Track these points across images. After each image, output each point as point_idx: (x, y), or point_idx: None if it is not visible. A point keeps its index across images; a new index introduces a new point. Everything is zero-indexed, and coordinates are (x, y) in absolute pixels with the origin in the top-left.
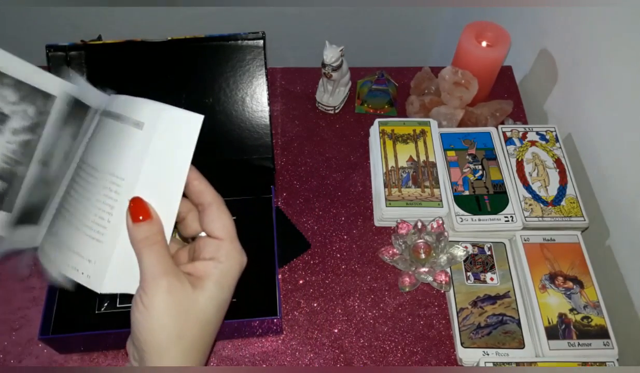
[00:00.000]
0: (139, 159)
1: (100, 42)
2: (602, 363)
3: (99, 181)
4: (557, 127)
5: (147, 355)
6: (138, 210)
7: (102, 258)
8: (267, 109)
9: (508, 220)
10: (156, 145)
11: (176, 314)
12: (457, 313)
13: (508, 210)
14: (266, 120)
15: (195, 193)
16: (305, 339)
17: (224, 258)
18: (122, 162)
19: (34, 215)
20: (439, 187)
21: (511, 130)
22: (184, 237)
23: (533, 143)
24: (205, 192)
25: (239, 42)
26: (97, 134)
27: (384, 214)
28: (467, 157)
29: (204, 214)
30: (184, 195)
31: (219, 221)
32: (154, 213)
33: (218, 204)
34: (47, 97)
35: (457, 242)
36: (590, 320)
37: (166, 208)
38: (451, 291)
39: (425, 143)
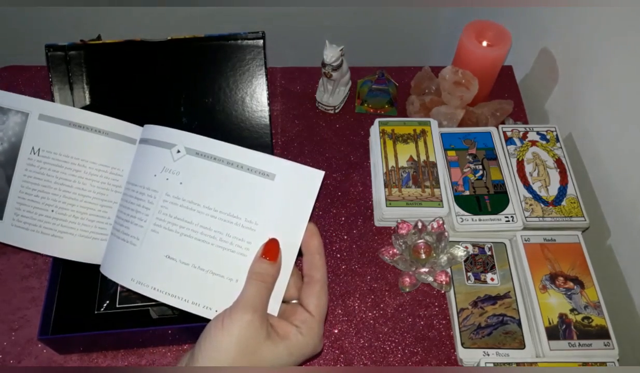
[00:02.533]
0: (272, 207)
1: (100, 42)
2: (603, 364)
3: (230, 224)
4: (558, 126)
5: (199, 364)
6: (270, 248)
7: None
8: (267, 108)
9: (508, 220)
10: (286, 196)
11: (241, 348)
12: (458, 313)
13: (508, 210)
14: (266, 120)
15: (312, 264)
16: None
17: (306, 332)
18: (256, 209)
19: None
20: (439, 187)
21: (512, 130)
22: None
23: (534, 143)
24: (320, 269)
25: (239, 42)
26: (211, 179)
27: (384, 214)
28: (468, 156)
29: (308, 286)
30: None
31: (319, 300)
32: (279, 260)
33: (323, 284)
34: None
35: (458, 242)
36: (590, 320)
37: (287, 257)
38: (451, 291)
39: (425, 143)
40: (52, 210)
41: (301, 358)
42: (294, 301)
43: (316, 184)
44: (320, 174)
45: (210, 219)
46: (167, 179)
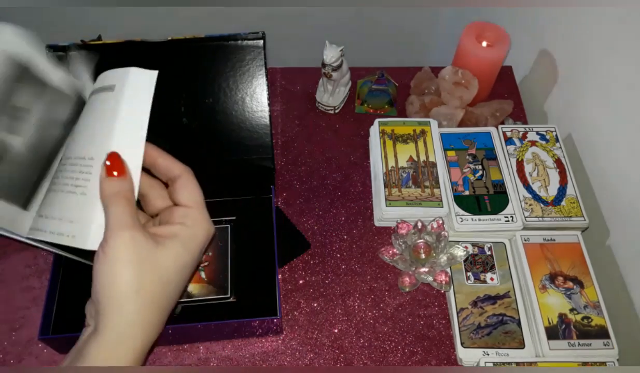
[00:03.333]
0: (113, 118)
1: (100, 42)
2: (602, 364)
3: (77, 143)
4: (557, 127)
5: (105, 308)
6: (114, 165)
7: (84, 217)
8: (267, 109)
9: (508, 220)
10: (124, 104)
11: (136, 267)
12: (457, 313)
13: (508, 210)
14: (266, 120)
15: (163, 169)
16: (305, 339)
17: (190, 223)
18: (98, 123)
19: (18, 196)
20: (439, 187)
21: (511, 130)
22: (149, 214)
23: (533, 143)
24: (173, 166)
25: (239, 42)
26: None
27: (384, 214)
28: (467, 157)
29: (173, 186)
30: (150, 173)
31: (187, 190)
32: (128, 171)
33: (187, 175)
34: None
35: (457, 242)
36: (590, 320)
37: (132, 165)
38: (451, 291)
39: (425, 143)
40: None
41: (199, 247)
42: (169, 205)
43: (148, 82)
44: (149, 73)
45: (64, 167)
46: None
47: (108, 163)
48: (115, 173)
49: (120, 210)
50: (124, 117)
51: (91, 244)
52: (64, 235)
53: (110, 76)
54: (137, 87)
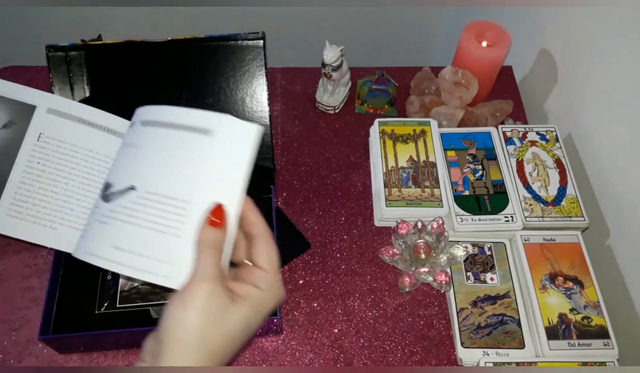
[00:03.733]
0: (212, 166)
1: (100, 42)
2: (602, 364)
3: (162, 180)
4: (557, 127)
5: (167, 349)
6: (217, 214)
7: (180, 260)
8: (267, 109)
9: (508, 220)
10: (226, 154)
11: (207, 320)
12: (457, 313)
13: (508, 210)
14: (266, 120)
15: (249, 224)
16: (305, 339)
17: (264, 287)
18: (191, 165)
19: None
20: (439, 187)
21: (511, 130)
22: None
23: (533, 143)
24: (258, 224)
25: (239, 42)
26: (146, 146)
27: (384, 214)
28: (467, 157)
29: (253, 244)
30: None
31: (266, 254)
32: (228, 224)
33: (267, 237)
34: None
35: (457, 242)
36: (590, 320)
37: (230, 217)
38: (451, 291)
39: (425, 143)
40: (52, 202)
41: (267, 311)
42: (246, 261)
43: (252, 138)
44: (254, 127)
45: (148, 202)
46: (125, 153)
47: (211, 212)
48: (214, 222)
49: (210, 261)
50: (225, 168)
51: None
52: (157, 274)
53: (200, 117)
54: (240, 139)
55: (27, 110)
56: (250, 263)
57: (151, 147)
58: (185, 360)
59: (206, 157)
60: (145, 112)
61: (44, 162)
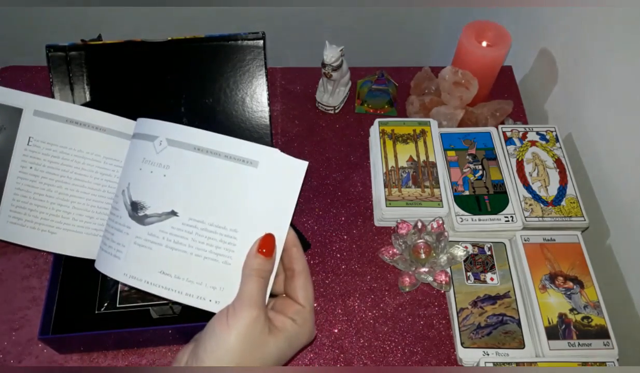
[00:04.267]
0: (260, 198)
1: (100, 42)
2: (602, 364)
3: (209, 209)
4: (558, 127)
5: (202, 363)
6: (267, 243)
7: (230, 286)
8: (267, 109)
9: (508, 220)
10: (273, 187)
11: (246, 344)
12: (457, 313)
13: (508, 210)
14: (266, 120)
15: (291, 258)
16: None
17: (300, 323)
18: (239, 195)
19: None
20: (439, 187)
21: (511, 130)
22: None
23: (533, 143)
24: (300, 260)
25: (239, 42)
26: (186, 172)
27: (384, 214)
28: (467, 157)
29: (293, 279)
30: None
31: (305, 290)
32: (275, 254)
33: (307, 274)
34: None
35: (457, 242)
36: (590, 320)
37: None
38: (451, 291)
39: (425, 143)
40: (47, 206)
41: (300, 346)
42: (283, 295)
43: (300, 175)
44: (304, 164)
45: (193, 229)
46: (151, 172)
47: (262, 240)
48: (264, 250)
49: (257, 288)
50: (272, 200)
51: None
52: (206, 300)
53: (247, 149)
54: (287, 174)
55: (15, 114)
56: (287, 297)
57: (189, 172)
58: None
59: (253, 189)
60: (171, 131)
61: (36, 167)
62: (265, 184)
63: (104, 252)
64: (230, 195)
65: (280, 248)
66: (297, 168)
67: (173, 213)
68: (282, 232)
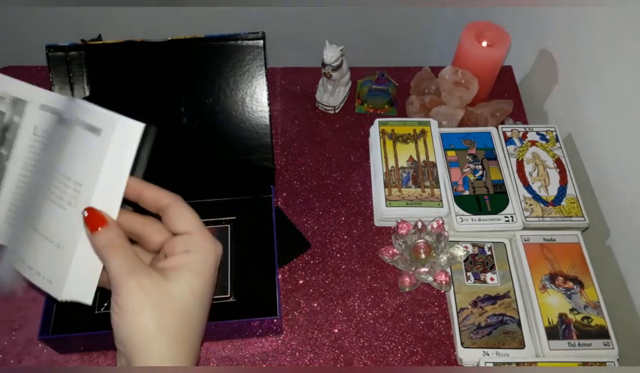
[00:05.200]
0: (97, 165)
1: (100, 42)
2: (603, 364)
3: (59, 184)
4: (558, 127)
5: (133, 355)
6: (94, 219)
7: (62, 264)
8: (267, 109)
9: (508, 220)
10: (110, 152)
11: (152, 308)
12: (457, 313)
13: (508, 210)
14: (266, 120)
15: (151, 201)
16: (305, 339)
17: (195, 248)
18: (81, 167)
19: None
20: (439, 187)
21: (511, 130)
22: (152, 251)
23: (533, 143)
24: (160, 196)
25: (239, 42)
26: (53, 136)
27: (384, 214)
28: (468, 157)
29: (166, 217)
30: (139, 210)
31: (182, 216)
32: (109, 219)
33: (177, 202)
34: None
35: (457, 242)
36: (590, 320)
37: (112, 209)
38: (451, 291)
39: (425, 143)
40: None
41: (210, 270)
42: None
43: (135, 137)
44: (138, 125)
45: (46, 176)
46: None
47: (88, 220)
48: (98, 227)
49: (118, 259)
50: (107, 167)
51: (65, 295)
52: (41, 276)
53: (98, 116)
54: (123, 138)
55: (19, 108)
56: (172, 236)
57: (65, 146)
58: (155, 354)
59: (92, 159)
60: (43, 96)
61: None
62: (104, 150)
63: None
64: (73, 163)
65: (116, 209)
66: (134, 130)
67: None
68: (118, 195)
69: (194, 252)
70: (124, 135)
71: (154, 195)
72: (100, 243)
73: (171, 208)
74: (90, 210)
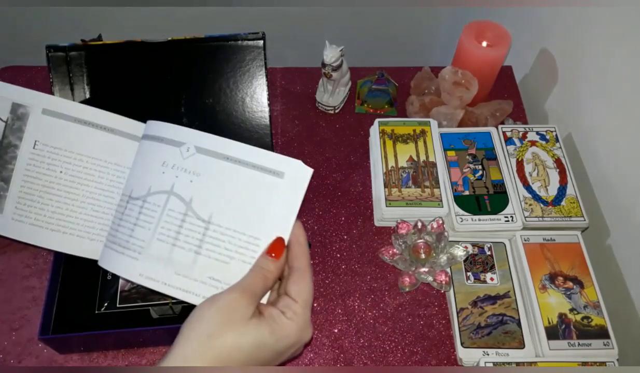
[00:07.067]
0: (282, 205)
1: (100, 42)
2: (602, 364)
3: (241, 217)
4: (557, 127)
5: (181, 336)
6: (276, 247)
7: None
8: (267, 109)
9: (508, 220)
10: (286, 193)
11: (224, 320)
12: (457, 313)
13: (508, 210)
14: (266, 120)
15: (293, 255)
16: None
17: (290, 315)
18: (268, 207)
19: None
20: (439, 187)
21: (511, 130)
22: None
23: (533, 143)
24: (302, 258)
25: (239, 42)
26: (219, 180)
27: (384, 214)
28: (467, 157)
29: (291, 275)
30: None
31: (299, 286)
32: (282, 259)
33: (305, 273)
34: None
35: (457, 242)
36: (590, 320)
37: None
38: (451, 291)
39: (425, 143)
40: (53, 206)
41: (286, 341)
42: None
43: (306, 179)
44: (311, 171)
45: (218, 234)
46: (177, 177)
47: (272, 245)
48: (273, 255)
49: (254, 281)
50: (285, 205)
51: None
52: None
53: (276, 160)
54: (299, 180)
55: (23, 112)
56: (284, 294)
57: (218, 180)
58: (192, 349)
59: (276, 196)
60: (199, 138)
61: (42, 166)
62: (285, 192)
63: (114, 251)
64: (262, 207)
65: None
66: (307, 174)
67: (202, 219)
68: (287, 233)
69: (286, 318)
70: (298, 176)
71: (298, 252)
72: (262, 264)
73: (297, 273)
74: (280, 239)
